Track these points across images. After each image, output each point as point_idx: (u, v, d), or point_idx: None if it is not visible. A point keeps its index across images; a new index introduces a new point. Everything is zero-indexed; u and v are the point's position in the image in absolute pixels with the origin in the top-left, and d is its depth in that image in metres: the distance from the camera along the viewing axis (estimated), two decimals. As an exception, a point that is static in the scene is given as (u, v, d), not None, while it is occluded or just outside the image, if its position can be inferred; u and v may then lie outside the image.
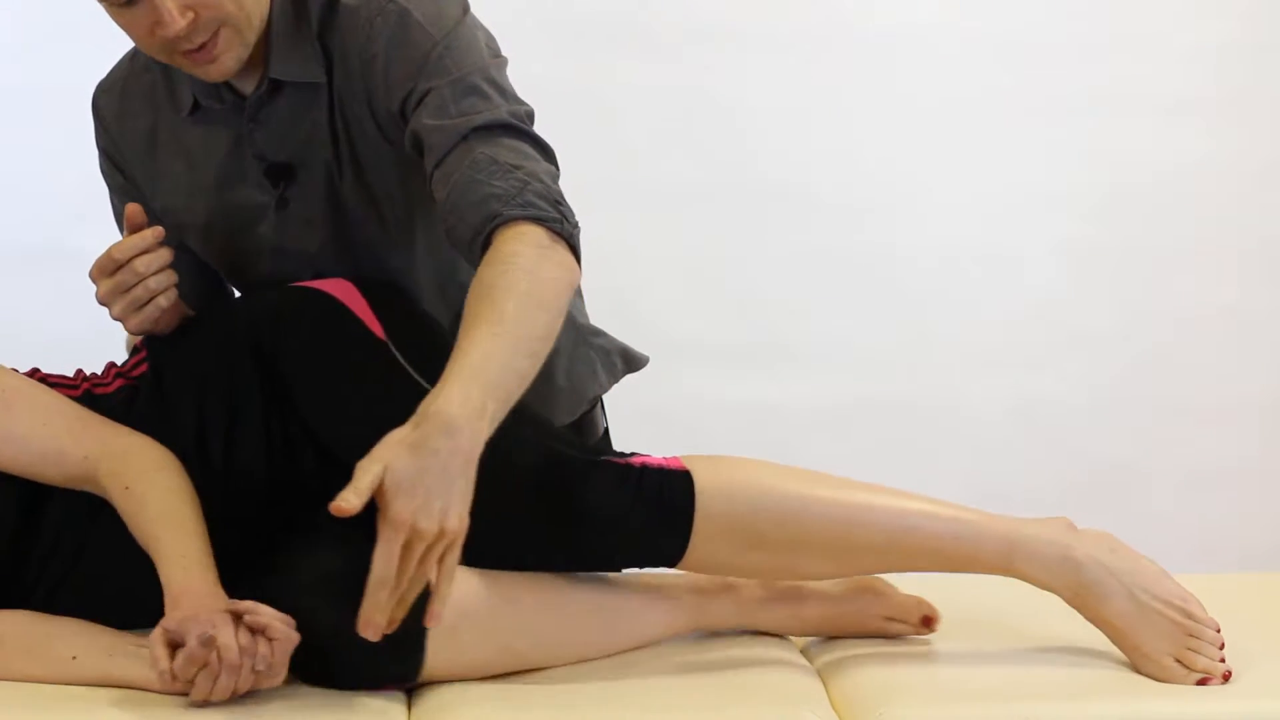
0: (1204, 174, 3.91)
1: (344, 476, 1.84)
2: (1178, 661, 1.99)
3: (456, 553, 1.80)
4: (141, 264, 2.07)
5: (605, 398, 2.51)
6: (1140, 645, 2.01)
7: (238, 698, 1.86)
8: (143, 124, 2.28)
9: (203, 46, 2.07)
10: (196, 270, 2.37)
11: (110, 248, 2.08)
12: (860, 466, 3.85)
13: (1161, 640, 2.00)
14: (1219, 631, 2.02)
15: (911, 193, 3.88)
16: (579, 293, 2.48)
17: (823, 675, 2.06)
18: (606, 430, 2.51)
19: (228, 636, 1.82)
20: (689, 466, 2.02)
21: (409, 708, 1.96)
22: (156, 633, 1.85)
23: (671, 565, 2.03)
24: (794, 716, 1.89)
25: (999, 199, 3.89)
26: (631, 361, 2.48)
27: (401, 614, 1.79)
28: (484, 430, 1.83)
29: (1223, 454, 3.95)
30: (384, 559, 1.75)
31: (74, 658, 1.91)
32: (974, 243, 3.89)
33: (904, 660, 2.05)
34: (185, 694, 1.86)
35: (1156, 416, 3.95)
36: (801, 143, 3.85)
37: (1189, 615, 2.01)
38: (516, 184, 2.00)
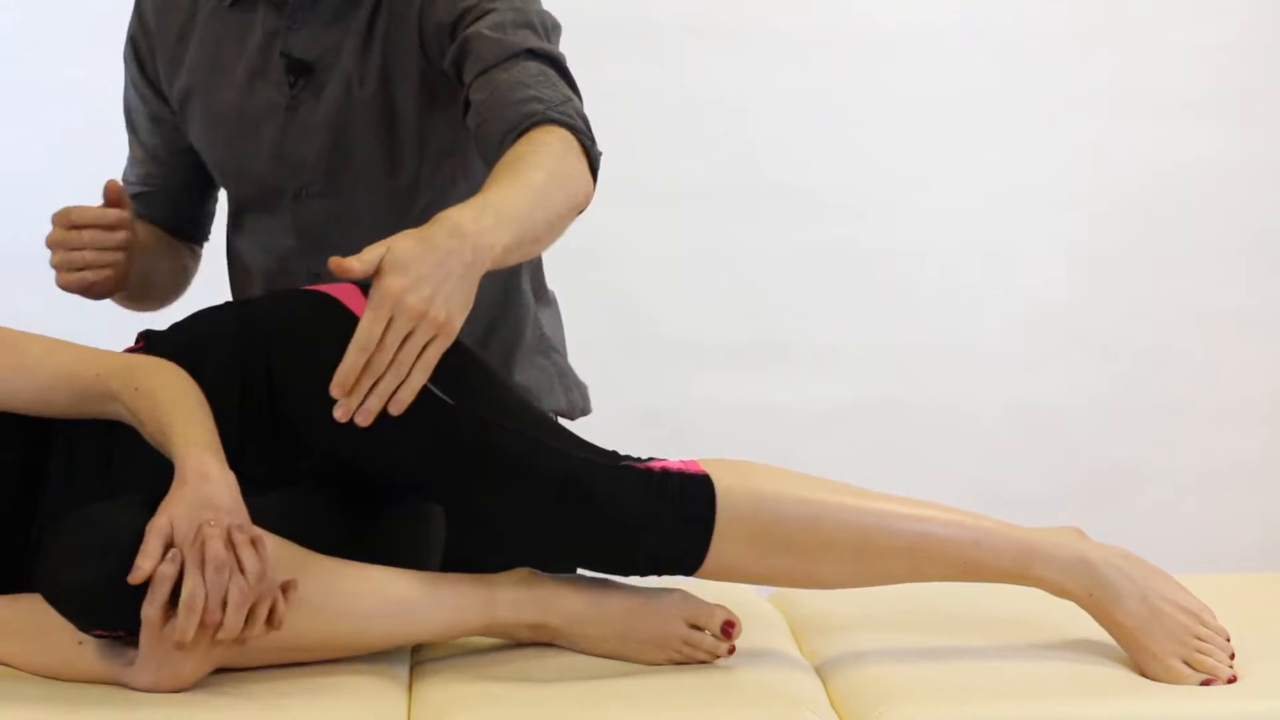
0: (1205, 174, 3.91)
1: (330, 480, 1.89)
2: (1185, 664, 1.99)
3: (440, 347, 1.83)
4: (89, 235, 2.17)
5: (599, 404, 2.51)
6: (1149, 646, 2.00)
7: (229, 685, 1.86)
8: (181, 16, 2.34)
9: None
10: (173, 196, 2.44)
11: (75, 207, 2.18)
12: (860, 466, 3.86)
13: (1170, 642, 2.00)
14: (1229, 640, 2.02)
15: (912, 192, 3.88)
16: (552, 303, 2.47)
17: (823, 675, 2.06)
18: None
19: (216, 545, 1.81)
20: (708, 470, 2.02)
21: (409, 707, 1.96)
22: (156, 520, 1.82)
23: (692, 571, 2.02)
24: (794, 716, 1.89)
25: (999, 199, 3.89)
26: (581, 399, 2.48)
27: (375, 403, 1.82)
28: (494, 248, 1.86)
29: (1223, 454, 3.95)
30: (367, 324, 1.81)
31: (80, 643, 1.91)
32: (974, 243, 3.89)
33: (904, 660, 2.05)
34: (167, 683, 1.85)
35: (1156, 417, 3.95)
36: (802, 142, 3.85)
37: (1200, 620, 2.02)
38: (562, 97, 2.08)
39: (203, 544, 1.81)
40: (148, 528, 1.82)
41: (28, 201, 3.69)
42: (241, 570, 1.81)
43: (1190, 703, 1.94)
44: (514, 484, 1.97)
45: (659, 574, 2.02)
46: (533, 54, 2.12)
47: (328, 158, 2.27)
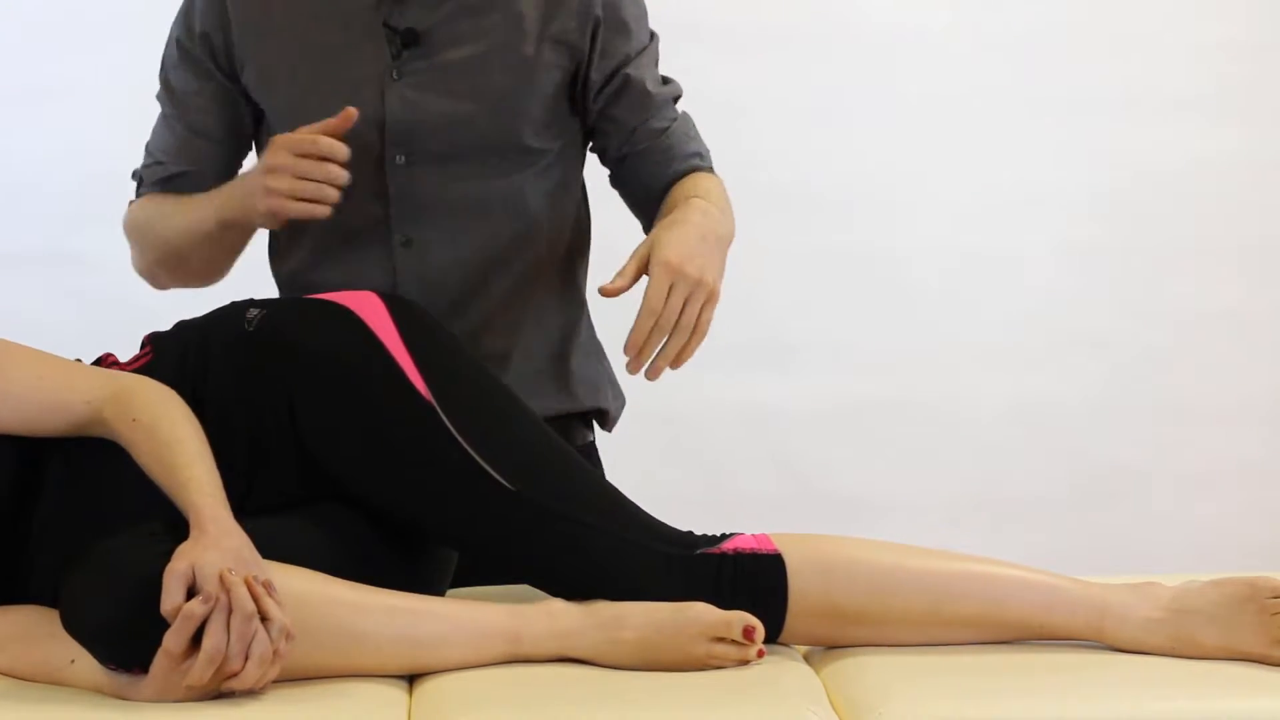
0: (1204, 174, 3.91)
1: (330, 489, 1.92)
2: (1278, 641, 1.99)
3: (711, 310, 2.13)
4: (320, 170, 2.16)
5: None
6: (1250, 651, 2.00)
7: (230, 694, 1.86)
8: None
9: None
10: (217, 177, 2.38)
11: (321, 138, 2.16)
12: (860, 466, 3.87)
13: (1258, 637, 1.99)
14: None
15: (911, 192, 3.88)
16: (586, 308, 2.48)
17: (822, 674, 2.06)
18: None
19: (243, 592, 1.81)
20: (780, 548, 2.05)
21: (409, 707, 1.96)
22: (176, 565, 1.81)
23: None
24: (794, 714, 1.89)
25: (999, 199, 3.89)
26: (617, 411, 2.50)
27: (663, 363, 2.09)
28: (731, 230, 2.26)
29: (1223, 454, 3.95)
30: (654, 291, 2.08)
31: (72, 661, 1.90)
32: (974, 243, 3.89)
33: (904, 660, 2.05)
34: (171, 698, 1.85)
35: (1157, 417, 3.95)
36: (802, 142, 3.85)
37: (1256, 589, 2.00)
38: (706, 148, 2.46)
39: (228, 593, 1.81)
40: (166, 572, 1.81)
41: (28, 202, 3.70)
42: (264, 619, 1.82)
43: (1192, 701, 1.93)
44: (586, 577, 2.03)
45: None
46: (675, 102, 2.44)
47: (439, 127, 2.29)
